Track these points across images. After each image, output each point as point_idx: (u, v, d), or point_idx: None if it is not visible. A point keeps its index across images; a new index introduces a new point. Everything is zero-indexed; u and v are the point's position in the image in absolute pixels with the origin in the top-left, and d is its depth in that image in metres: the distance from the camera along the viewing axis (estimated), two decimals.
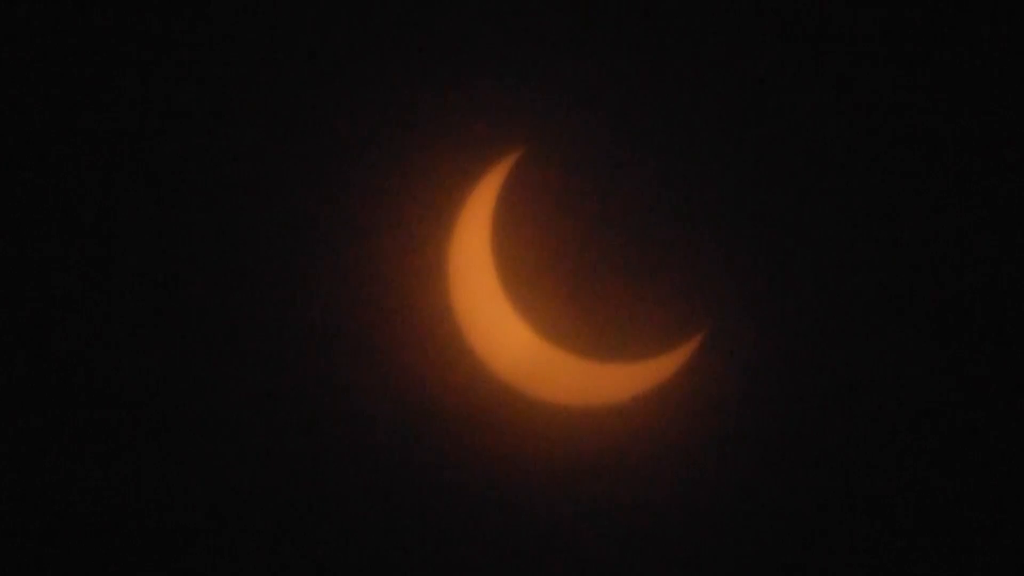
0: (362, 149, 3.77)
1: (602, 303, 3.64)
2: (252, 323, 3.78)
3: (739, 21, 3.77)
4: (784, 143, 3.80)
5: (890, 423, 3.85)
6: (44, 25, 3.76)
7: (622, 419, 3.82)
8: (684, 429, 3.82)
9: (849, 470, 3.84)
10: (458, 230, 3.78)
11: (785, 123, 3.79)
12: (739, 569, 3.85)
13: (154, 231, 3.79)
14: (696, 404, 3.81)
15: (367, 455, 3.80)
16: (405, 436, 3.80)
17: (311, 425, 3.79)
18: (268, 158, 3.78)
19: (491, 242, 3.66)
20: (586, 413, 3.82)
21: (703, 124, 3.76)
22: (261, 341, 3.78)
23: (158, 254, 3.79)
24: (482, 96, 3.77)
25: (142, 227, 3.79)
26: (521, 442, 3.80)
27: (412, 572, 3.82)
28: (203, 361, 3.78)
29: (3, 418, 3.78)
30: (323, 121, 3.77)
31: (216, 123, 3.78)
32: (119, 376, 3.79)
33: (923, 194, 3.83)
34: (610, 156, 3.69)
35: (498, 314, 3.69)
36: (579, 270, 3.64)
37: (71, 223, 3.79)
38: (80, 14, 3.76)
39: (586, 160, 3.68)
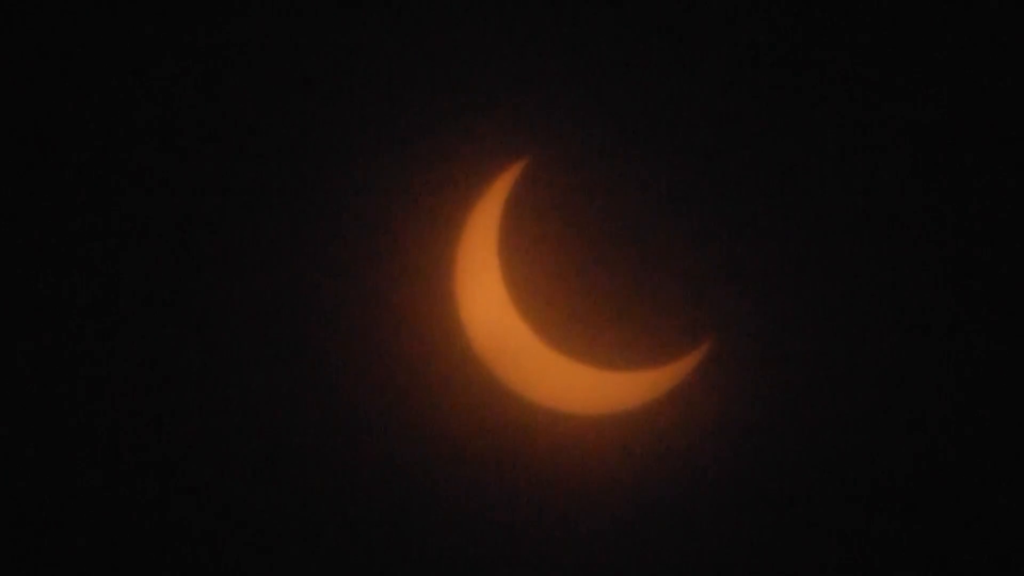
0: (370, 155, 3.78)
1: (608, 311, 3.64)
2: (258, 323, 3.78)
3: (746, 29, 3.77)
4: (790, 152, 3.80)
5: (896, 432, 3.85)
6: (45, 25, 3.77)
7: (627, 427, 3.82)
8: (689, 438, 3.81)
9: (855, 478, 3.84)
10: (465, 237, 3.78)
11: (791, 132, 3.79)
12: None
13: (156, 234, 3.79)
14: (702, 413, 3.81)
15: (369, 458, 3.80)
16: (409, 441, 3.80)
17: (314, 426, 3.79)
18: (277, 164, 3.78)
19: (498, 249, 3.66)
20: (591, 421, 3.82)
21: (710, 132, 3.76)
22: (266, 342, 3.78)
23: (160, 256, 3.79)
24: (490, 103, 3.77)
25: (143, 229, 3.79)
26: (526, 449, 3.80)
27: (410, 575, 3.82)
28: (206, 362, 3.78)
29: (3, 418, 3.78)
30: (332, 128, 3.77)
31: (224, 129, 3.78)
32: (120, 377, 3.79)
33: (928, 200, 3.83)
34: (617, 164, 3.69)
35: (505, 321, 3.69)
36: (586, 278, 3.64)
37: (76, 224, 3.78)
38: (84, 14, 3.76)
39: (593, 168, 3.68)
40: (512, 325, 3.66)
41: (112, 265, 3.79)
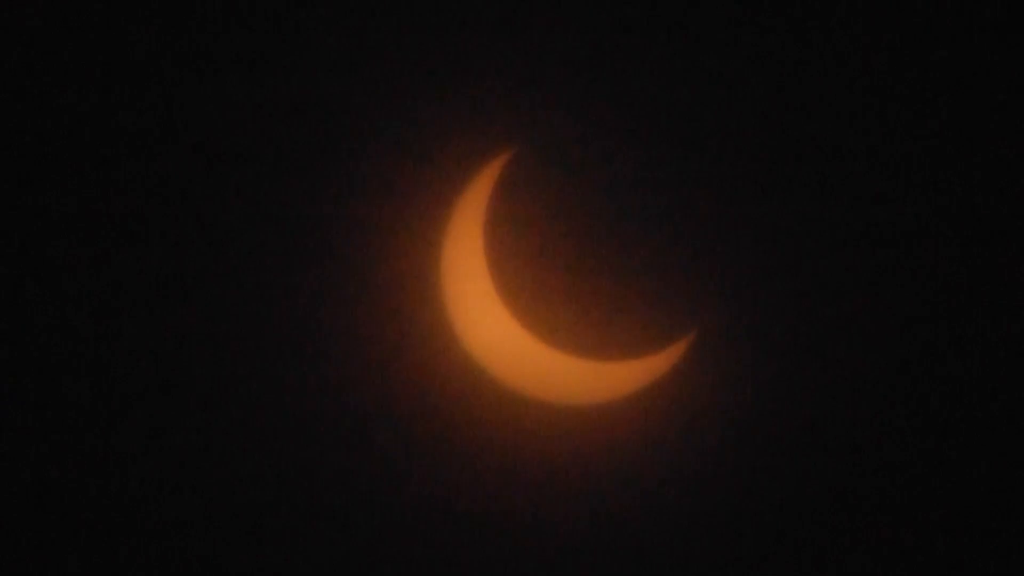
0: (353, 151, 3.78)
1: (594, 302, 3.65)
2: (245, 324, 3.79)
3: (729, 22, 3.77)
4: (774, 142, 3.80)
5: (882, 422, 3.85)
6: (45, 25, 3.78)
7: (615, 418, 3.83)
8: (676, 428, 3.82)
9: (841, 469, 3.85)
10: (450, 231, 3.79)
11: (775, 125, 3.80)
12: (731, 569, 3.86)
13: (147, 230, 3.80)
14: (688, 403, 3.82)
15: (361, 456, 3.81)
16: (399, 437, 3.81)
17: (305, 426, 3.80)
18: (260, 160, 3.79)
19: (483, 242, 3.66)
20: (579, 412, 3.83)
21: (693, 124, 3.77)
22: (254, 341, 3.79)
23: (151, 254, 3.80)
24: (473, 97, 3.77)
25: (135, 225, 3.80)
26: (514, 441, 3.81)
27: (405, 571, 3.83)
28: (196, 361, 3.79)
29: (3, 418, 3.80)
30: (314, 124, 3.78)
31: (210, 125, 3.79)
32: (117, 376, 3.80)
33: (914, 194, 3.83)
34: (600, 156, 3.70)
35: (491, 314, 3.70)
36: (571, 270, 3.65)
37: (76, 224, 3.80)
38: (86, 15, 3.77)
39: (577, 160, 3.69)
40: (498, 316, 3.67)
41: (105, 264, 3.80)
